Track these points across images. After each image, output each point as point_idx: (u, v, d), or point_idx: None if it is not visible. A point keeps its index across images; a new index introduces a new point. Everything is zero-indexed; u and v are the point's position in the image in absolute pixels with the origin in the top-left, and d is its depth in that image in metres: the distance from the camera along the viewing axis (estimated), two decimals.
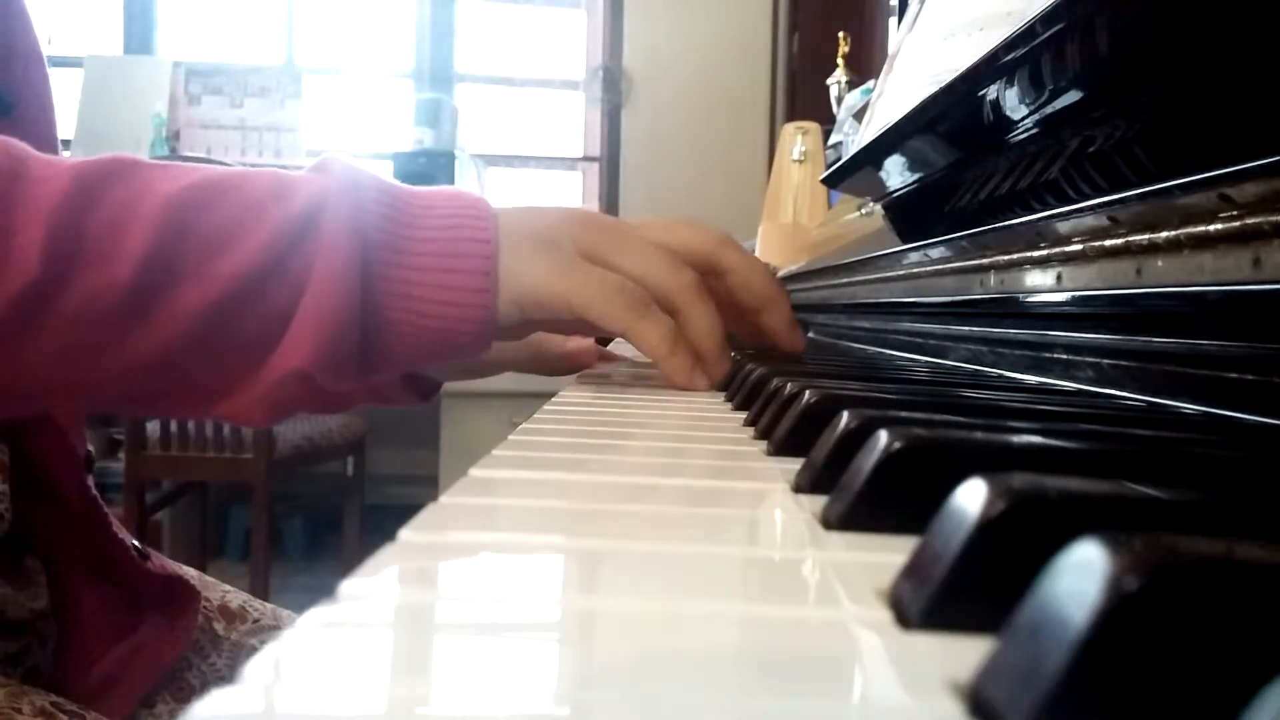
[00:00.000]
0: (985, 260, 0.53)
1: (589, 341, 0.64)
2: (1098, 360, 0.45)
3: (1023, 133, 0.53)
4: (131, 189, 0.41)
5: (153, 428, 2.05)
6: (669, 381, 0.50)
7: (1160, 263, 0.36)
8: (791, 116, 2.81)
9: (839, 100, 1.94)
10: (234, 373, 0.43)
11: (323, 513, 2.92)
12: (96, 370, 0.41)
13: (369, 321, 0.43)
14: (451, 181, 2.93)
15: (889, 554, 0.19)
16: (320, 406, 0.53)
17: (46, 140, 0.56)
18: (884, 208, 0.91)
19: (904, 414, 0.28)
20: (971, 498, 0.17)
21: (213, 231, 0.41)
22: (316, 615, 0.15)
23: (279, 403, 0.43)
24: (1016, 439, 0.25)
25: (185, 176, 0.42)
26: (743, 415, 0.43)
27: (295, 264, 0.41)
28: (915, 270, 0.66)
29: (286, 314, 0.42)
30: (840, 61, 2.04)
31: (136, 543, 0.61)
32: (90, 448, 0.60)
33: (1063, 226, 0.43)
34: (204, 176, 0.42)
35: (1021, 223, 0.47)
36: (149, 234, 0.40)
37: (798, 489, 0.27)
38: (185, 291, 0.40)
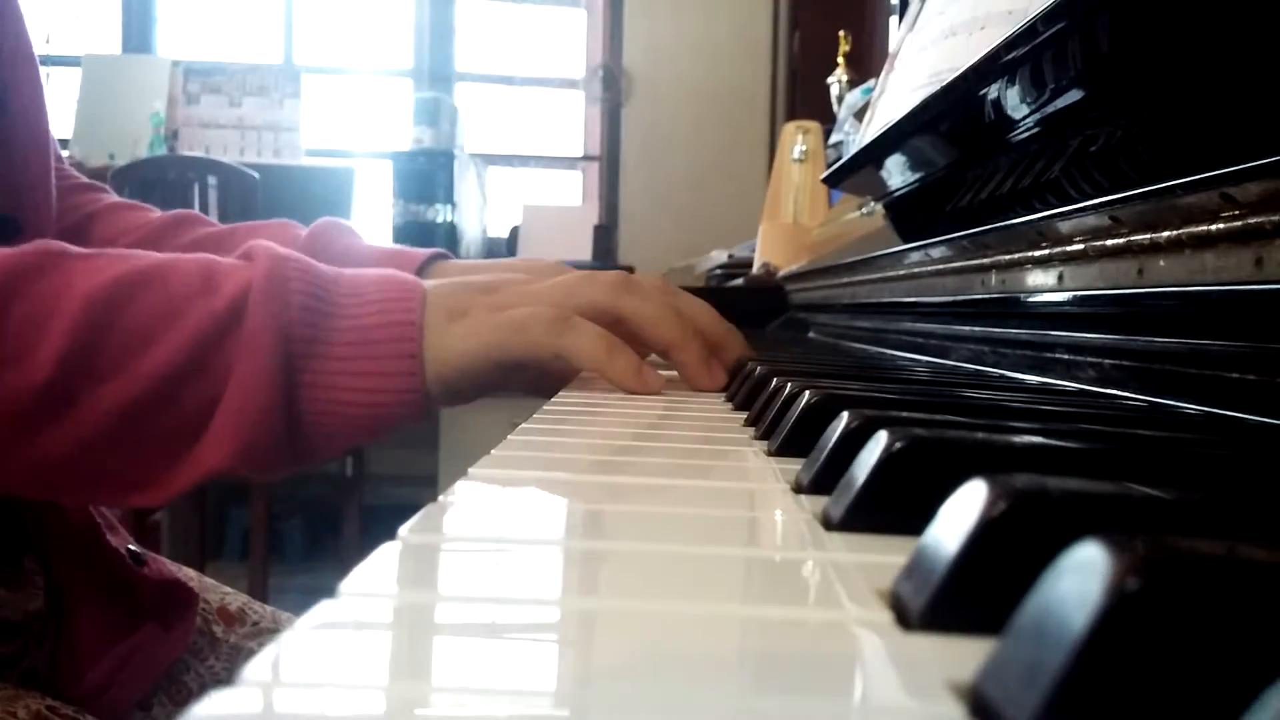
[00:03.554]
0: (986, 260, 0.53)
1: None
2: (1099, 360, 0.44)
3: (1024, 132, 0.53)
4: (54, 284, 0.41)
5: None
6: (614, 380, 0.48)
7: (1162, 262, 0.36)
8: (792, 115, 2.81)
9: (839, 99, 1.94)
10: (151, 468, 0.43)
11: (322, 513, 2.92)
12: (4, 463, 0.41)
13: (294, 415, 0.43)
14: (450, 180, 2.92)
15: (890, 554, 0.19)
16: None
17: (39, 140, 0.56)
18: (885, 207, 0.91)
19: (905, 414, 0.28)
20: (973, 498, 0.17)
21: (134, 329, 0.41)
22: (315, 616, 0.15)
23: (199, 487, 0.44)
24: (1018, 439, 0.24)
25: (111, 268, 0.42)
26: (743, 415, 0.43)
27: (216, 364, 0.42)
28: (916, 270, 0.66)
29: (206, 413, 0.42)
30: (841, 60, 2.03)
31: (133, 547, 0.61)
32: None
33: (1064, 226, 0.43)
34: (130, 268, 0.42)
35: (1023, 222, 0.47)
36: (67, 333, 0.40)
37: (798, 489, 0.27)
38: (103, 390, 0.41)
